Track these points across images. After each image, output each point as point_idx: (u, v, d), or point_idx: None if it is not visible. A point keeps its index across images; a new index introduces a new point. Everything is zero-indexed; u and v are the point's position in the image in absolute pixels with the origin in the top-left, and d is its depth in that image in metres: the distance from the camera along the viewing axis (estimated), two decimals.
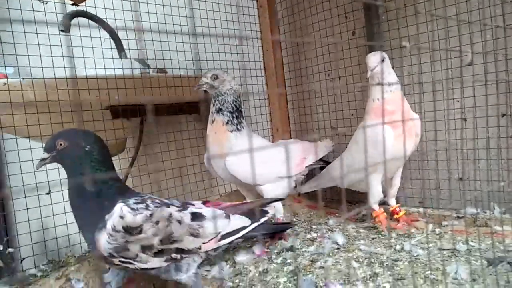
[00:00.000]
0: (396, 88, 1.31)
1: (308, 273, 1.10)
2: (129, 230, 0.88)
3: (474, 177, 1.47)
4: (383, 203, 1.47)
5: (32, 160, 1.19)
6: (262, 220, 1.09)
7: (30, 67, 1.20)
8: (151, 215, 0.92)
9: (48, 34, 1.29)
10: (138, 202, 0.94)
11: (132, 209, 0.91)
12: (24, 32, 1.21)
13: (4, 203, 1.25)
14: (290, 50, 2.02)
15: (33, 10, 1.28)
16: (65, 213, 1.21)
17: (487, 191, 1.43)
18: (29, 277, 1.13)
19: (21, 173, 1.23)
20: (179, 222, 0.95)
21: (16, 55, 1.21)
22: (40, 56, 1.25)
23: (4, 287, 0.90)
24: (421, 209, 1.47)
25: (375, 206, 1.39)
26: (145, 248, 0.90)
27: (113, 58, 1.50)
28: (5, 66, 1.22)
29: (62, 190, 1.11)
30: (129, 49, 1.56)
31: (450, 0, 1.47)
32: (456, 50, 1.46)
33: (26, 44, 1.24)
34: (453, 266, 1.02)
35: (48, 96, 1.19)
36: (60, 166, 0.94)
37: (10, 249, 1.21)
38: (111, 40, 1.58)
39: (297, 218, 1.63)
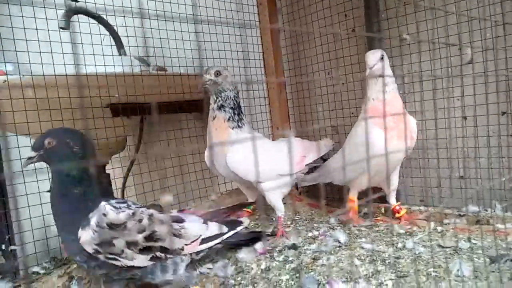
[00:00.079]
0: (393, 89, 1.31)
1: (310, 270, 1.10)
2: (112, 226, 0.90)
3: (476, 175, 1.47)
4: (385, 202, 1.48)
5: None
6: (238, 229, 1.13)
7: (30, 63, 1.18)
8: (133, 213, 0.94)
9: (48, 30, 1.28)
10: (120, 202, 0.97)
11: (114, 207, 0.93)
12: (24, 28, 1.20)
13: (5, 201, 1.24)
14: (290, 49, 2.02)
15: (33, 6, 1.27)
16: None
17: (488, 189, 1.43)
18: (32, 275, 1.12)
19: (22, 171, 1.22)
20: (161, 221, 0.97)
21: (16, 51, 1.20)
22: (40, 52, 1.24)
23: (7, 284, 0.89)
24: (422, 207, 1.47)
25: (353, 195, 1.44)
26: (130, 244, 0.91)
27: (112, 55, 1.49)
28: (5, 63, 1.20)
29: None
30: (129, 46, 1.55)
31: None
32: (456, 44, 1.46)
33: (26, 40, 1.22)
34: (456, 263, 1.02)
35: (48, 93, 1.18)
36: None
37: (13, 247, 1.20)
38: (111, 37, 1.57)
39: (298, 216, 1.63)
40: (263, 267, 1.15)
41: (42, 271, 1.16)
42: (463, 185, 1.52)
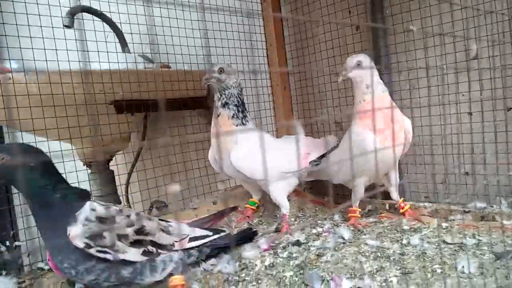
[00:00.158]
0: (379, 90, 1.30)
1: (314, 267, 1.10)
2: (102, 220, 0.91)
3: (483, 171, 1.46)
4: (389, 198, 1.47)
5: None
6: (221, 234, 1.13)
7: (34, 60, 1.19)
8: (120, 210, 0.97)
9: (52, 27, 1.28)
10: (105, 202, 0.99)
11: (101, 205, 0.94)
12: (28, 25, 1.21)
13: (9, 197, 1.25)
14: (294, 45, 2.01)
15: (37, 4, 1.28)
16: None
17: (493, 184, 1.42)
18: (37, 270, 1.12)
19: None
20: (149, 218, 1.00)
21: (20, 48, 1.20)
22: (45, 49, 1.25)
23: (12, 280, 0.90)
24: (427, 204, 1.46)
25: (356, 204, 1.43)
26: (121, 237, 0.92)
27: (117, 52, 1.49)
28: (9, 59, 1.21)
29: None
30: (133, 43, 1.55)
31: None
32: (462, 40, 1.45)
33: (30, 37, 1.23)
34: (461, 260, 1.01)
35: (53, 90, 1.19)
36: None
37: (17, 243, 1.21)
38: (115, 35, 1.57)
39: (302, 213, 1.63)
40: (267, 263, 1.15)
41: (46, 267, 1.17)
42: (469, 181, 1.51)
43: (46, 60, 1.24)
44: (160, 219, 1.05)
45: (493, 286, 0.90)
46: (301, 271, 1.08)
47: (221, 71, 1.34)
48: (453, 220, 1.33)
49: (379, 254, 1.13)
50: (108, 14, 1.50)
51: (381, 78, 1.68)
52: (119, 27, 1.54)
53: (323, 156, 1.53)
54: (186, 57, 1.65)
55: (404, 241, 1.20)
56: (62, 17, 1.36)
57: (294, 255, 1.19)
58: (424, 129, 1.56)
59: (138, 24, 1.51)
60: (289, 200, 1.46)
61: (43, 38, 1.26)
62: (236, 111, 1.37)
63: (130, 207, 1.69)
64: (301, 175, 1.52)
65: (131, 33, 1.53)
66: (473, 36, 1.42)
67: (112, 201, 1.53)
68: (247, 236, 1.26)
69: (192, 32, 1.66)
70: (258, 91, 1.89)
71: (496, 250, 1.05)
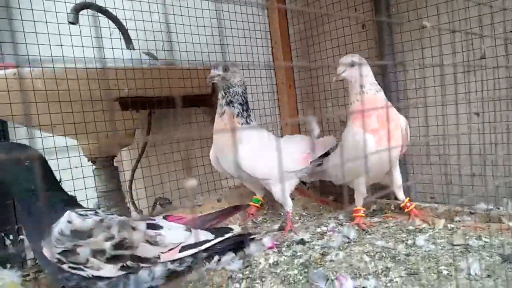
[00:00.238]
0: (371, 89, 1.30)
1: (318, 266, 1.09)
2: (77, 234, 0.85)
3: (492, 173, 1.45)
4: (396, 198, 1.46)
5: (43, 148, 1.19)
6: (227, 235, 1.04)
7: (40, 56, 1.19)
8: (101, 220, 0.89)
9: (58, 24, 1.28)
10: (87, 210, 0.92)
11: (80, 215, 0.88)
12: (34, 21, 1.21)
13: None
14: (299, 43, 2.00)
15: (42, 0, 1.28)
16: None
17: (500, 186, 1.41)
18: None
19: None
20: (133, 228, 0.91)
21: (26, 43, 1.20)
22: (50, 45, 1.24)
23: (16, 273, 0.90)
24: (433, 205, 1.45)
25: (359, 204, 1.42)
26: (96, 253, 0.85)
27: (122, 49, 1.49)
28: (15, 55, 1.21)
29: (73, 179, 1.11)
30: (138, 39, 1.55)
31: None
32: (469, 39, 1.43)
33: (36, 33, 1.23)
34: (467, 261, 1.00)
35: (58, 86, 1.19)
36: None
37: (22, 236, 1.21)
38: (120, 32, 1.57)
39: (306, 212, 1.62)
40: (271, 261, 1.14)
41: None
42: (475, 182, 1.49)
43: (52, 56, 1.24)
44: (153, 224, 0.96)
45: None
46: (306, 270, 1.08)
47: (226, 69, 1.33)
48: (459, 221, 1.32)
49: (384, 254, 1.12)
50: (113, 11, 1.50)
51: (387, 77, 1.67)
52: (124, 23, 1.54)
53: (323, 156, 1.52)
54: (191, 54, 1.65)
55: (410, 242, 1.19)
56: (67, 13, 1.36)
57: (299, 253, 1.18)
58: (431, 129, 1.55)
59: (143, 21, 1.51)
60: (292, 198, 1.45)
61: (48, 34, 1.26)
62: (240, 110, 1.36)
63: (134, 203, 1.69)
64: (303, 175, 1.51)
65: (136, 30, 1.52)
66: (485, 34, 1.40)
67: (116, 197, 1.54)
68: (248, 238, 1.16)
69: (197, 30, 1.65)
70: (263, 89, 1.88)
71: (503, 252, 1.04)
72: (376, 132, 1.25)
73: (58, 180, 0.95)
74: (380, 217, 1.45)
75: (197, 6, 1.69)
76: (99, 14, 1.50)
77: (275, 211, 1.61)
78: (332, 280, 1.01)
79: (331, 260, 1.12)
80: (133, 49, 1.65)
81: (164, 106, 1.55)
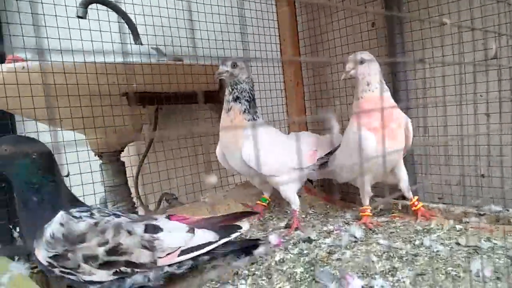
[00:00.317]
0: (377, 88, 1.28)
1: (325, 264, 1.09)
2: (69, 238, 0.83)
3: (501, 174, 1.43)
4: (402, 198, 1.45)
5: (51, 142, 1.19)
6: (233, 236, 0.99)
7: (49, 50, 1.19)
8: (95, 223, 0.86)
9: (67, 17, 1.28)
10: (82, 211, 0.89)
11: (74, 217, 0.86)
12: (44, 15, 1.21)
13: None
14: (308, 41, 1.99)
15: None
16: (83, 195, 1.21)
17: (511, 188, 1.39)
18: None
19: None
20: (129, 232, 0.88)
21: (36, 37, 1.20)
22: (60, 39, 1.25)
23: (24, 265, 0.90)
24: (441, 205, 1.43)
25: (366, 203, 1.40)
26: (88, 259, 0.83)
27: (130, 44, 1.49)
28: (24, 49, 1.21)
29: (80, 173, 1.11)
30: (146, 35, 1.55)
31: None
32: (485, 38, 1.41)
33: (46, 26, 1.23)
34: (476, 263, 0.99)
35: (67, 80, 1.19)
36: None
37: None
38: (128, 27, 1.57)
39: (313, 210, 1.61)
40: (277, 259, 1.14)
41: None
42: (484, 183, 1.48)
43: (61, 50, 1.24)
44: (152, 226, 0.93)
45: None
46: (312, 268, 1.07)
47: (234, 65, 1.33)
48: (467, 222, 1.31)
49: (391, 254, 1.11)
50: (122, 6, 1.50)
51: (396, 75, 1.66)
52: (132, 19, 1.54)
53: (329, 153, 1.51)
54: (199, 50, 1.65)
55: (417, 242, 1.18)
56: (76, 7, 1.36)
57: (305, 251, 1.18)
58: (439, 129, 1.53)
59: (152, 15, 1.51)
60: (299, 196, 1.44)
61: (57, 27, 1.26)
62: (247, 106, 1.35)
63: (140, 199, 1.70)
64: (310, 173, 1.50)
65: (145, 25, 1.52)
66: (494, 34, 1.38)
67: (123, 192, 1.54)
68: (255, 244, 1.14)
69: (205, 25, 1.65)
70: (270, 87, 1.88)
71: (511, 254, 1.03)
72: (378, 131, 1.23)
73: (66, 174, 0.95)
74: (387, 217, 1.44)
75: (205, 2, 1.69)
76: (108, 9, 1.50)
77: (281, 208, 1.61)
78: (338, 279, 1.00)
79: (337, 259, 1.11)
80: (141, 44, 1.65)
81: (172, 102, 1.55)
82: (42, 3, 1.26)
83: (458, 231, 1.26)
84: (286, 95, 1.93)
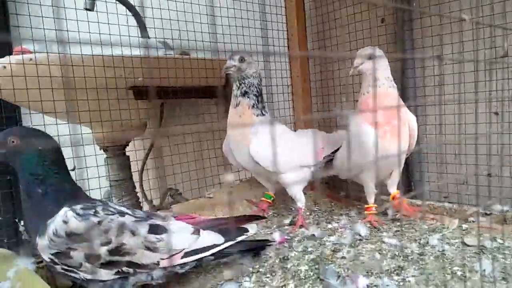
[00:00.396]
0: (384, 84, 1.27)
1: (330, 262, 1.08)
2: (72, 236, 0.82)
3: (510, 173, 1.42)
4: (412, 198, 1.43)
5: (58, 135, 1.19)
6: (239, 238, 0.99)
7: (57, 42, 1.19)
8: (99, 222, 0.85)
9: (76, 9, 1.27)
10: (86, 208, 0.87)
11: (78, 214, 0.85)
12: (52, 6, 1.20)
13: None
14: (315, 36, 1.97)
15: None
16: (89, 190, 1.22)
17: None
18: None
19: None
20: (133, 233, 0.87)
21: (44, 29, 1.20)
22: (68, 31, 1.24)
23: (30, 259, 0.90)
24: (446, 204, 1.42)
25: (371, 201, 1.39)
26: (90, 258, 0.83)
27: (138, 37, 1.48)
28: (32, 40, 1.21)
29: (86, 167, 1.11)
30: (154, 28, 1.54)
31: None
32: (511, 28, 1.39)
33: (54, 18, 1.22)
34: (482, 262, 0.98)
35: (74, 73, 1.19)
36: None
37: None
38: (135, 20, 1.56)
39: (318, 207, 1.61)
40: (281, 256, 1.14)
41: None
42: (491, 183, 1.46)
43: (69, 42, 1.24)
44: (156, 226, 0.91)
45: None
46: (316, 266, 1.07)
47: (242, 60, 1.31)
48: (474, 221, 1.30)
49: (396, 252, 1.11)
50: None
51: (404, 72, 1.64)
52: (140, 12, 1.54)
53: (336, 151, 1.50)
54: (207, 44, 1.64)
55: (423, 241, 1.18)
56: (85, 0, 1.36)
57: (309, 249, 1.17)
58: (447, 127, 1.52)
59: (160, 9, 1.50)
60: (304, 193, 1.44)
61: (66, 19, 1.26)
62: (256, 101, 1.34)
63: (144, 193, 1.70)
64: (316, 170, 1.49)
65: (153, 18, 1.51)
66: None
67: (128, 186, 1.54)
68: (262, 245, 1.16)
69: (214, 20, 1.64)
70: (277, 82, 1.86)
71: None
72: (381, 126, 1.22)
73: (71, 168, 0.94)
74: (392, 215, 1.43)
75: None
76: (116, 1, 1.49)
77: (286, 205, 1.60)
78: (343, 277, 1.00)
79: (342, 257, 1.11)
80: (148, 37, 1.64)
81: (178, 96, 1.55)
82: None
83: (464, 230, 1.25)
84: (292, 91, 1.91)
